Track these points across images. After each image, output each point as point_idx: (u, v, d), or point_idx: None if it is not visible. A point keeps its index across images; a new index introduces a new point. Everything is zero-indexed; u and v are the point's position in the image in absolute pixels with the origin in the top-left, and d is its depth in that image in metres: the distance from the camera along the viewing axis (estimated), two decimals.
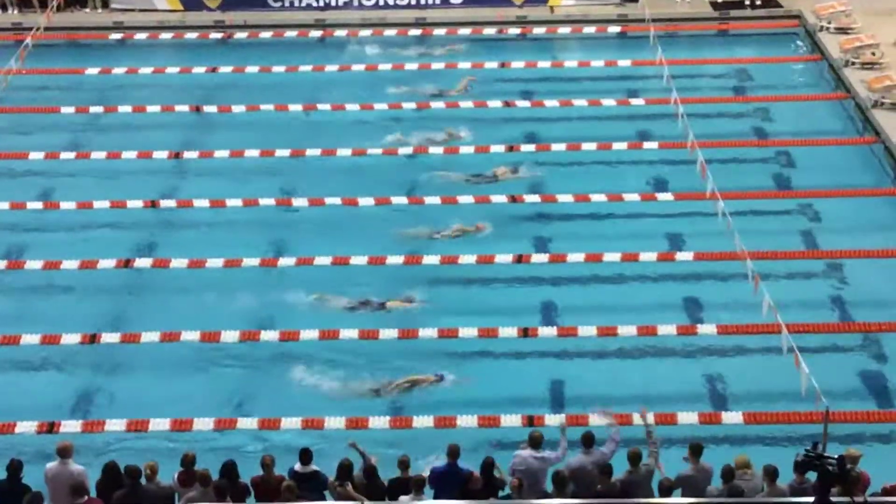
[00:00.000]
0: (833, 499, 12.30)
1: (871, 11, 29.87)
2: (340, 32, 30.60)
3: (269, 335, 19.17)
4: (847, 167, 24.47)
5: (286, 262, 21.14)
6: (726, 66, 29.05)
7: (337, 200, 22.85)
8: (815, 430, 15.88)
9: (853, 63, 27.43)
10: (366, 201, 22.80)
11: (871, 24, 29.04)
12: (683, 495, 14.14)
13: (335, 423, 17.07)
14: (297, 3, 31.66)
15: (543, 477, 14.37)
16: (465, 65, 28.46)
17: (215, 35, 30.68)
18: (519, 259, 21.03)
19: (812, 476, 12.91)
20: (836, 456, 12.07)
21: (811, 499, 12.65)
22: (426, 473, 14.28)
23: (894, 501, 13.79)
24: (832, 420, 15.46)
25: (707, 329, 19.15)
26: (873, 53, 27.52)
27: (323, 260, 20.94)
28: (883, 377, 18.54)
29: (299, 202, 23.07)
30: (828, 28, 29.36)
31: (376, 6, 31.63)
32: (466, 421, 17.03)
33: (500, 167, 24.17)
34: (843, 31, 29.06)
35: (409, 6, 31.64)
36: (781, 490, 13.90)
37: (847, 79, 27.09)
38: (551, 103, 26.62)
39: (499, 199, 22.86)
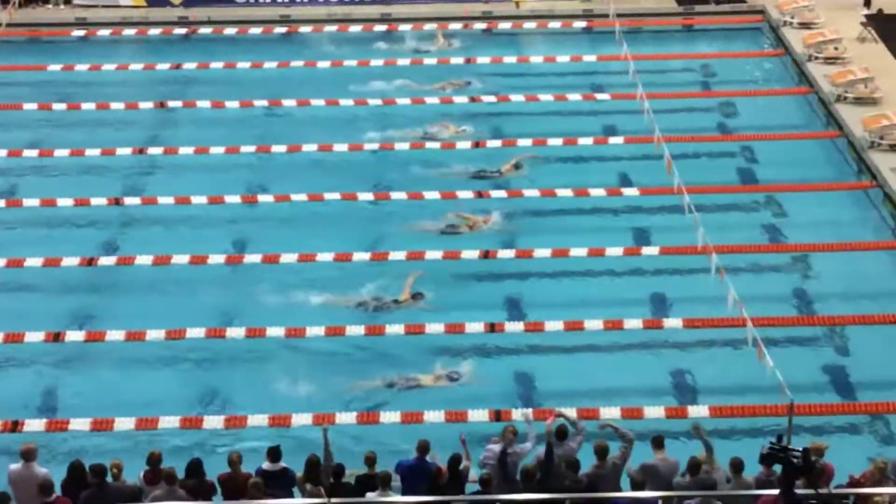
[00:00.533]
0: (798, 491, 12.37)
1: (834, 6, 30.09)
2: (305, 28, 30.50)
3: (235, 332, 19.08)
4: (810, 161, 24.65)
5: (252, 258, 21.08)
6: (691, 61, 29.19)
7: (303, 196, 22.78)
8: (780, 422, 15.95)
9: (816, 58, 27.60)
10: (332, 196, 22.74)
11: (833, 19, 29.23)
12: (649, 486, 14.18)
13: (302, 419, 17.03)
14: None
15: (514, 472, 14.36)
16: (430, 61, 28.42)
17: (179, 31, 30.52)
18: (486, 255, 21.03)
19: (779, 468, 12.98)
20: (800, 448, 12.14)
21: (777, 491, 12.71)
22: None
23: (857, 492, 13.88)
24: (797, 413, 15.56)
25: (673, 323, 19.22)
26: (836, 48, 27.71)
27: (289, 257, 20.89)
28: (846, 370, 18.68)
29: (265, 198, 23.00)
30: (791, 23, 29.54)
31: (341, 2, 31.54)
32: (434, 416, 17.01)
33: (505, 164, 24.10)
34: (805, 25, 29.25)
35: (374, 2, 31.58)
36: (747, 483, 13.95)
37: (810, 73, 27.26)
38: (517, 98, 26.65)
39: (465, 194, 22.84)
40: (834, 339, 19.40)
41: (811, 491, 12.61)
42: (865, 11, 29.80)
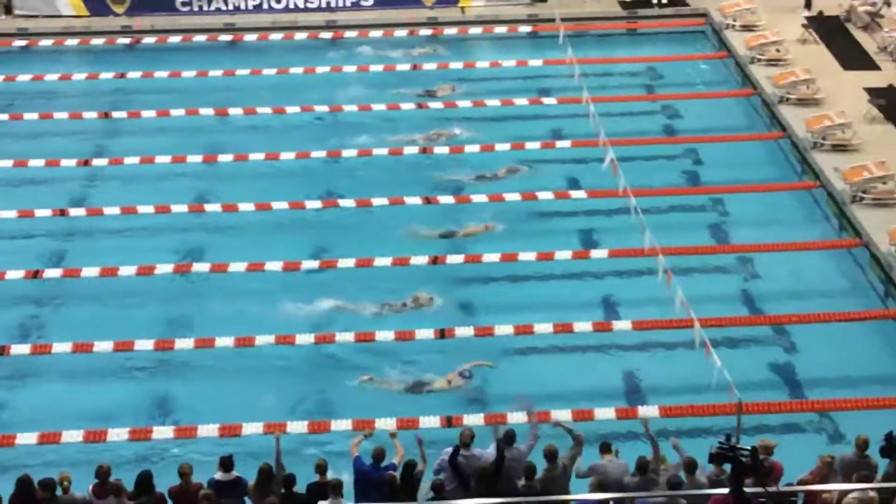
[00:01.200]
0: (747, 489, 12.47)
1: (775, 9, 30.39)
2: (251, 36, 30.36)
3: (184, 343, 18.95)
4: (755, 162, 24.88)
5: (200, 268, 20.95)
6: (636, 65, 29.37)
7: (250, 206, 22.68)
8: (729, 421, 16.09)
9: (759, 60, 27.87)
10: (280, 206, 22.65)
11: (775, 22, 29.53)
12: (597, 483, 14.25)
13: (252, 429, 16.94)
14: (206, 8, 31.32)
15: (472, 476, 14.34)
16: (377, 67, 28.37)
17: (122, 40, 30.26)
18: (434, 260, 21.05)
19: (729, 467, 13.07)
20: (749, 447, 12.25)
21: (727, 490, 12.81)
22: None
23: (805, 489, 14.03)
24: (745, 412, 15.71)
25: (622, 325, 19.33)
26: (778, 50, 28.00)
27: (238, 266, 20.78)
28: (793, 368, 18.88)
29: (212, 208, 22.88)
30: (733, 26, 29.80)
31: (286, 9, 31.43)
32: (385, 423, 16.97)
33: (502, 168, 24.13)
34: (748, 28, 29.51)
35: (319, 9, 31.51)
36: (701, 482, 14.03)
37: (753, 75, 27.52)
38: (464, 104, 26.69)
39: (413, 200, 22.85)
40: (781, 338, 19.58)
41: (760, 489, 12.74)
42: (806, 13, 30.14)
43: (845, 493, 13.80)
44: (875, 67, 27.53)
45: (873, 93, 25.83)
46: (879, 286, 20.61)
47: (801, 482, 14.25)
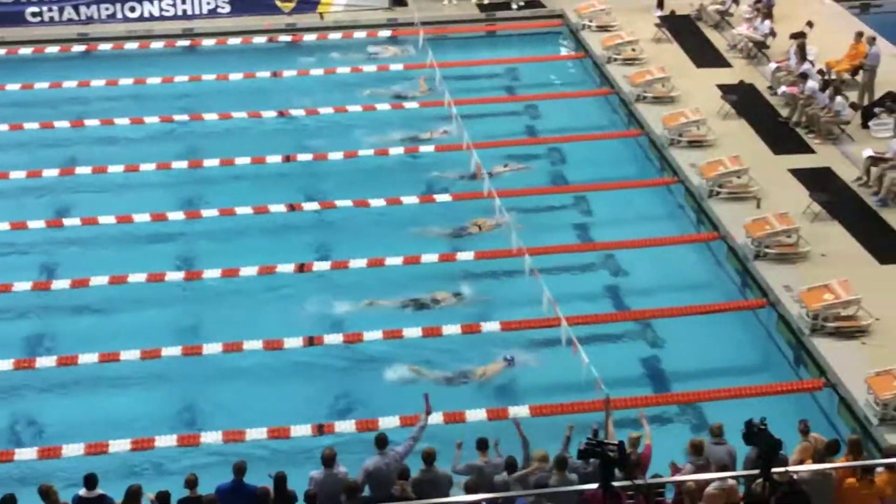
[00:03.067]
0: (616, 483, 12.67)
1: (629, 9, 31.00)
2: (105, 46, 29.80)
3: (45, 361, 18.48)
4: (615, 160, 25.32)
5: (60, 284, 20.45)
6: (496, 67, 29.68)
7: (111, 219, 22.25)
8: (599, 417, 16.30)
9: (615, 59, 28.38)
10: (141, 217, 22.25)
11: (629, 22, 30.14)
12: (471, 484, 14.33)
13: (120, 445, 16.61)
14: (57, 18, 30.64)
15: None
16: (236, 76, 28.06)
17: None
18: (301, 268, 20.91)
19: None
20: (616, 442, 12.45)
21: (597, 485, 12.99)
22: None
23: (670, 481, 14.30)
24: (613, 406, 15.93)
25: (490, 326, 19.43)
26: (633, 49, 28.55)
27: (99, 280, 20.37)
28: (658, 362, 19.23)
29: (71, 222, 22.40)
30: (589, 26, 30.31)
31: (141, 18, 30.90)
32: (256, 434, 16.81)
33: (497, 166, 24.08)
34: (603, 28, 30.05)
35: (175, 17, 31.06)
36: (571, 479, 14.15)
37: (610, 74, 27.99)
38: (326, 110, 26.60)
39: (277, 208, 22.67)
40: (646, 332, 19.93)
41: (628, 482, 12.96)
42: (659, 13, 30.79)
43: (708, 482, 14.11)
44: (726, 64, 28.27)
45: (725, 89, 26.52)
46: (736, 277, 21.15)
47: (677, 472, 14.52)
